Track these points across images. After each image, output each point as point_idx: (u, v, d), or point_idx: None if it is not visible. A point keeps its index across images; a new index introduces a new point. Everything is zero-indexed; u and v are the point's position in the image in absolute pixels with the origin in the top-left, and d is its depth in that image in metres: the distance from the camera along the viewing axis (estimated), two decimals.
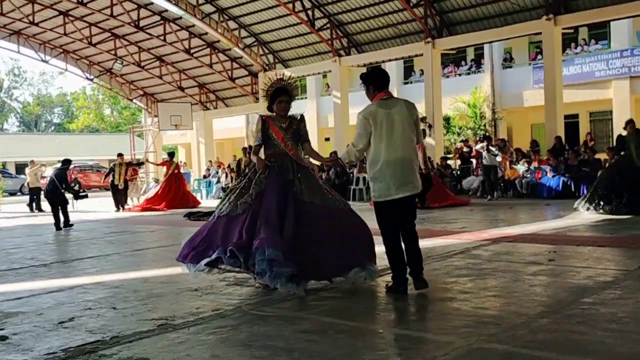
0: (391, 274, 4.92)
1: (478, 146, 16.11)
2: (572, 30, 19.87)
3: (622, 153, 10.81)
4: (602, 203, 10.23)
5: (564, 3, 16.80)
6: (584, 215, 10.43)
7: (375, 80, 4.97)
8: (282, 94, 5.45)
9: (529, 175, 15.84)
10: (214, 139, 31.12)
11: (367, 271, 5.03)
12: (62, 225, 12.28)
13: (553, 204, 13.16)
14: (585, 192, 14.31)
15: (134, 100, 32.43)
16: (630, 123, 10.76)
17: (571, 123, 22.25)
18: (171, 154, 18.98)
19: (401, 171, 4.73)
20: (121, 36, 26.30)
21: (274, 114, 5.48)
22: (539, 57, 21.88)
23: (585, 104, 22.52)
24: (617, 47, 21.94)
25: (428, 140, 19.06)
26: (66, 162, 13.25)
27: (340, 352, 3.40)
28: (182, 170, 23.47)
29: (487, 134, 23.42)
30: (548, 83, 17.38)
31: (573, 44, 23.01)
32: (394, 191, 4.72)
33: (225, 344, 3.70)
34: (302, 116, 5.63)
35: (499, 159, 15.26)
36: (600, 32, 22.77)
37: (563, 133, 17.31)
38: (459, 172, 18.69)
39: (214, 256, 4.97)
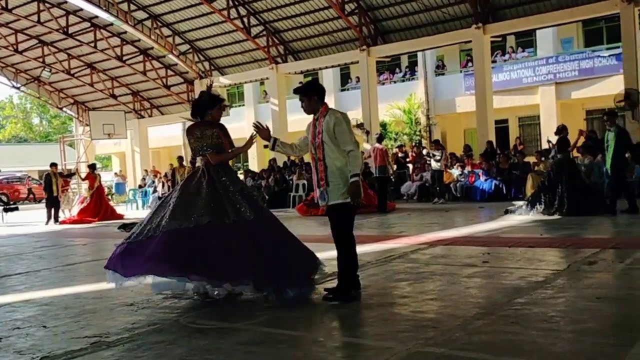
0: (340, 282, 4.87)
1: (425, 151, 16.54)
2: (500, 39, 20.63)
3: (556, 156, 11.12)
4: (544, 206, 10.56)
5: (492, 12, 17.42)
6: (515, 217, 10.79)
7: (321, 91, 5.00)
8: (221, 100, 5.40)
9: (462, 179, 16.28)
10: (150, 147, 30.47)
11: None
12: None
13: (486, 207, 13.56)
14: (514, 194, 14.89)
15: (64, 109, 31.37)
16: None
17: (501, 128, 23.06)
18: (92, 166, 18.25)
19: None
20: (49, 43, 25.43)
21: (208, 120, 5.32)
22: (470, 64, 22.55)
23: (514, 109, 23.37)
24: (543, 55, 22.90)
25: (366, 146, 19.29)
26: None
27: None
28: (116, 180, 22.91)
29: (422, 139, 23.97)
30: (479, 89, 17.95)
31: (501, 52, 23.84)
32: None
33: (162, 359, 3.60)
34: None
35: (438, 164, 15.57)
36: (526, 40, 23.71)
37: (494, 137, 17.90)
38: (394, 178, 18.96)
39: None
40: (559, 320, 3.89)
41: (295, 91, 5.11)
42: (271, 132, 5.38)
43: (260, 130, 5.21)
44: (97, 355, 3.75)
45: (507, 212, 11.31)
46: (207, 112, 5.29)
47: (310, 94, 4.95)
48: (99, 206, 17.26)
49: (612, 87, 18.69)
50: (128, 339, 4.07)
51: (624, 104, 15.48)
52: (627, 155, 11.38)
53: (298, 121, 24.28)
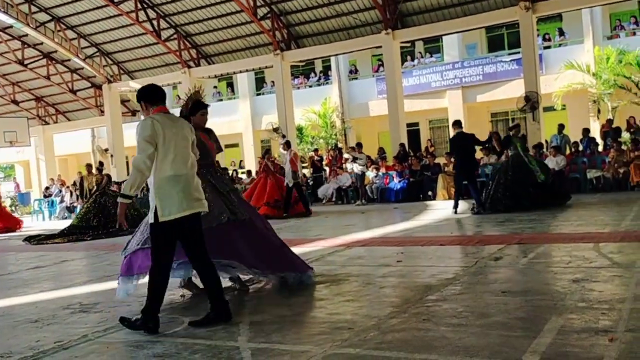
0: (146, 308, 4.26)
1: (346, 155, 16.74)
2: (409, 44, 21.27)
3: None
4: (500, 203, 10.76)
5: (401, 19, 17.94)
6: (428, 217, 11.13)
7: (148, 96, 4.43)
8: (204, 106, 5.46)
9: (377, 181, 16.62)
10: (56, 155, 29.09)
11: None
12: None
13: (400, 207, 13.91)
14: (428, 194, 15.37)
15: None
16: (515, 127, 11.86)
17: (413, 130, 23.75)
18: None
19: (190, 187, 4.31)
20: None
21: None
22: (381, 69, 23.09)
23: (424, 112, 24.15)
24: (449, 60, 23.82)
25: (282, 151, 19.28)
26: None
27: None
28: (19, 190, 21.74)
29: (338, 142, 24.27)
30: (390, 93, 18.42)
31: (410, 57, 24.58)
32: (185, 206, 4.24)
33: None
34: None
35: (361, 167, 15.80)
36: (434, 46, 24.60)
37: (406, 140, 18.41)
38: (311, 181, 19.11)
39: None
40: (467, 315, 4.04)
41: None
42: None
43: None
44: None
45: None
46: (190, 118, 5.26)
47: (139, 99, 4.49)
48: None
49: (514, 91, 19.72)
50: (32, 357, 3.86)
51: (525, 106, 16.34)
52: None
53: (212, 125, 23.94)
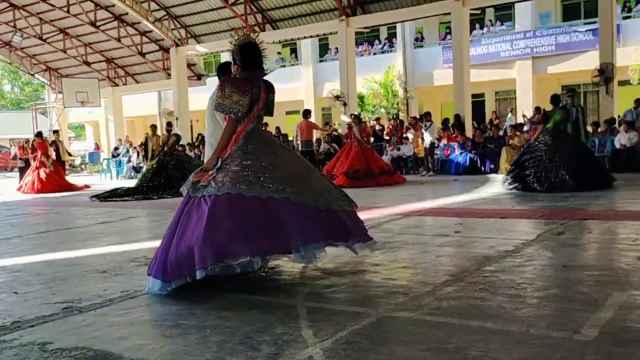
0: None
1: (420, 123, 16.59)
2: (479, 12, 20.59)
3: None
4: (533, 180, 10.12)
5: None
6: (489, 190, 10.92)
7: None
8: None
9: (438, 152, 16.39)
10: (124, 116, 30.04)
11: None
12: None
13: (460, 180, 13.70)
14: (489, 167, 15.06)
15: (36, 76, 30.68)
16: (572, 93, 10.92)
17: (478, 102, 23.20)
18: (39, 134, 18.09)
19: None
20: (20, 7, 24.72)
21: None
22: (449, 37, 22.53)
23: (490, 83, 23.50)
24: (520, 29, 22.98)
25: (343, 117, 19.29)
26: None
27: (252, 327, 3.40)
28: (91, 149, 22.67)
29: (400, 112, 24.02)
30: (456, 63, 17.97)
31: (479, 25, 23.85)
32: None
33: (134, 324, 3.61)
34: None
35: (430, 137, 15.65)
36: (505, 14, 23.76)
37: (470, 111, 18.01)
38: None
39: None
40: (525, 287, 3.98)
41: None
42: None
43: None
44: (68, 320, 3.75)
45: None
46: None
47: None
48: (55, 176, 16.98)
49: (587, 62, 18.91)
50: (100, 304, 4.07)
51: (599, 79, 15.66)
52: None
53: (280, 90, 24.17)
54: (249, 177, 4.23)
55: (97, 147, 30.60)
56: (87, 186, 17.41)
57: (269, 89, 4.73)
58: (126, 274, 5.04)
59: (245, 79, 4.58)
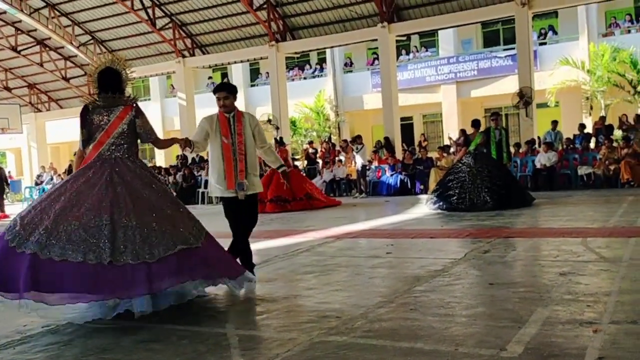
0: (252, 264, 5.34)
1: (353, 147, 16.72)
2: (405, 38, 21.27)
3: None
4: (453, 200, 10.42)
5: (397, 12, 17.91)
6: (419, 210, 11.16)
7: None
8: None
9: (370, 175, 16.63)
10: (48, 143, 28.94)
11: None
12: None
13: (392, 201, 13.94)
14: (418, 188, 15.40)
15: None
16: (495, 116, 11.31)
17: (407, 124, 23.79)
18: None
19: None
20: None
21: None
22: (377, 62, 23.06)
23: (418, 106, 24.17)
24: (444, 54, 23.82)
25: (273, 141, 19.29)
26: None
27: (183, 358, 3.31)
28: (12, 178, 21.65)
29: (331, 135, 24.27)
30: (385, 87, 18.40)
31: (405, 51, 24.56)
32: None
33: None
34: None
35: (361, 159, 15.82)
36: (429, 40, 24.59)
37: (399, 134, 18.44)
38: (305, 173, 19.10)
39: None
40: (454, 306, 4.07)
41: (221, 87, 5.34)
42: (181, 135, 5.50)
43: (182, 145, 5.18)
44: None
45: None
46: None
47: (235, 92, 5.36)
48: None
49: (508, 86, 19.79)
50: (19, 341, 3.86)
51: (519, 102, 16.40)
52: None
53: (206, 115, 23.85)
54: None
55: (10, 176, 29.29)
56: (5, 215, 16.59)
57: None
58: (47, 307, 4.77)
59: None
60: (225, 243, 5.08)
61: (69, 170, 14.81)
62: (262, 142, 5.41)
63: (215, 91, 5.34)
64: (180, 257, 4.19)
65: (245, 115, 5.42)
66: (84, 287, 3.96)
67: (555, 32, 22.63)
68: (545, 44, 22.52)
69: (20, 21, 23.07)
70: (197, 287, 4.49)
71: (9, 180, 17.98)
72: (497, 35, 23.73)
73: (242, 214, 5.23)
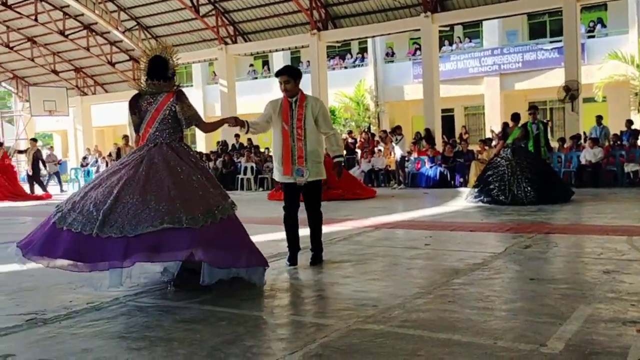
0: (321, 249, 5.66)
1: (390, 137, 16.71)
2: (448, 28, 20.95)
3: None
4: (495, 193, 10.35)
5: (441, 2, 17.65)
6: (459, 203, 11.05)
7: (301, 77, 5.36)
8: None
9: (409, 166, 16.52)
10: (93, 126, 29.63)
11: None
12: None
13: (430, 193, 13.83)
14: (458, 181, 15.24)
15: (3, 84, 30.09)
16: (533, 110, 11.17)
17: (448, 116, 23.49)
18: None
19: None
20: None
21: None
22: (418, 52, 22.81)
23: (460, 98, 23.82)
24: (488, 46, 23.39)
25: None
26: None
27: (221, 339, 3.37)
28: (54, 157, 22.25)
29: (371, 125, 24.17)
30: (426, 78, 18.21)
31: (448, 42, 24.21)
32: None
33: (100, 336, 3.54)
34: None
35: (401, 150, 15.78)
36: (473, 31, 24.17)
37: (440, 126, 18.24)
38: (344, 163, 19.09)
39: None
40: (493, 300, 4.03)
41: (282, 71, 5.28)
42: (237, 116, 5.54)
43: (232, 124, 5.18)
44: (32, 332, 3.66)
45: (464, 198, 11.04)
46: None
47: (297, 77, 5.27)
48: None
49: (553, 80, 19.30)
50: (65, 316, 3.99)
51: (565, 96, 16.02)
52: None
53: (247, 103, 24.12)
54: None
55: (59, 161, 30.05)
56: (48, 195, 17.05)
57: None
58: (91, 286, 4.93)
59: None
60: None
61: (116, 153, 15.09)
62: (327, 128, 5.32)
63: (277, 75, 5.33)
64: (165, 236, 4.12)
65: (310, 99, 5.34)
66: (77, 255, 4.15)
67: (604, 25, 21.97)
68: (593, 37, 21.89)
69: (68, 6, 23.54)
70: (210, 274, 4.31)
71: (45, 163, 18.70)
72: (543, 27, 23.17)
73: (305, 199, 5.37)
